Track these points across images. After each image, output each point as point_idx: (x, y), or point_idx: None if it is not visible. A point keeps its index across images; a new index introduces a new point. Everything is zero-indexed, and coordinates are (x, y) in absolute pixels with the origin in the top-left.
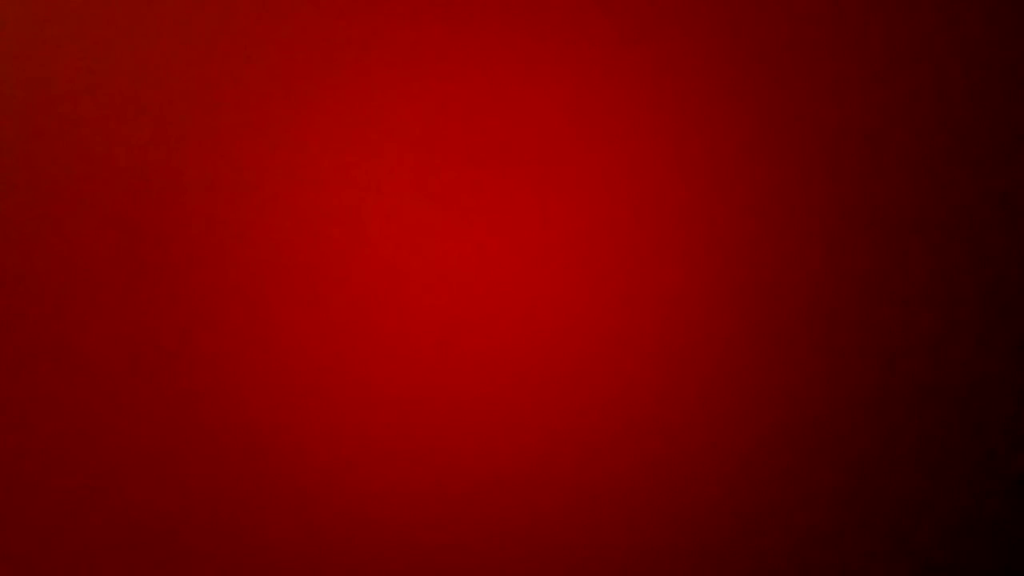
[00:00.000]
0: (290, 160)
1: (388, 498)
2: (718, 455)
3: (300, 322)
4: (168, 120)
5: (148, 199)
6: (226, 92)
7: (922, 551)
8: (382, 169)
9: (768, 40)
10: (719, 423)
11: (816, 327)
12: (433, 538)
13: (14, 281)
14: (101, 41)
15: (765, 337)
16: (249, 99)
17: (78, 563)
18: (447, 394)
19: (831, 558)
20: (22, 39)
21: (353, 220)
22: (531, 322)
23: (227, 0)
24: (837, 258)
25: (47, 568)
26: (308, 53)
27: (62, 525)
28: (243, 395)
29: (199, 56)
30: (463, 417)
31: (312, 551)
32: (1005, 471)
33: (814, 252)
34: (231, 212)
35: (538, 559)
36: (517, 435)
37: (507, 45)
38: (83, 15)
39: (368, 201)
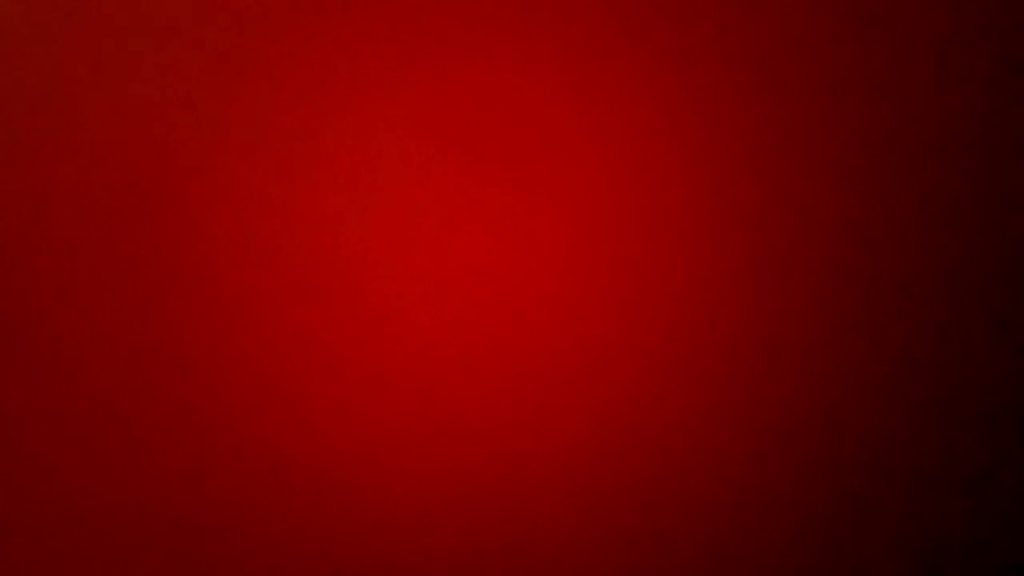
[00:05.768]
0: (290, 159)
1: (389, 500)
2: (722, 458)
3: (299, 322)
4: (168, 119)
5: (148, 198)
6: (225, 91)
7: (924, 553)
8: (383, 169)
9: (774, 41)
10: (723, 426)
11: (820, 329)
12: (432, 541)
13: (13, 281)
14: (100, 40)
15: (769, 341)
16: (249, 98)
17: (75, 563)
18: (449, 395)
19: (834, 560)
20: (22, 39)
21: (353, 220)
22: (534, 323)
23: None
24: (842, 261)
25: (42, 568)
26: (308, 51)
27: (58, 525)
28: (244, 395)
29: (199, 54)
30: (465, 419)
31: (310, 552)
32: (1008, 473)
33: (819, 255)
34: (229, 211)
35: (538, 561)
36: (518, 437)
37: (511, 45)
38: (82, 15)
39: (369, 201)
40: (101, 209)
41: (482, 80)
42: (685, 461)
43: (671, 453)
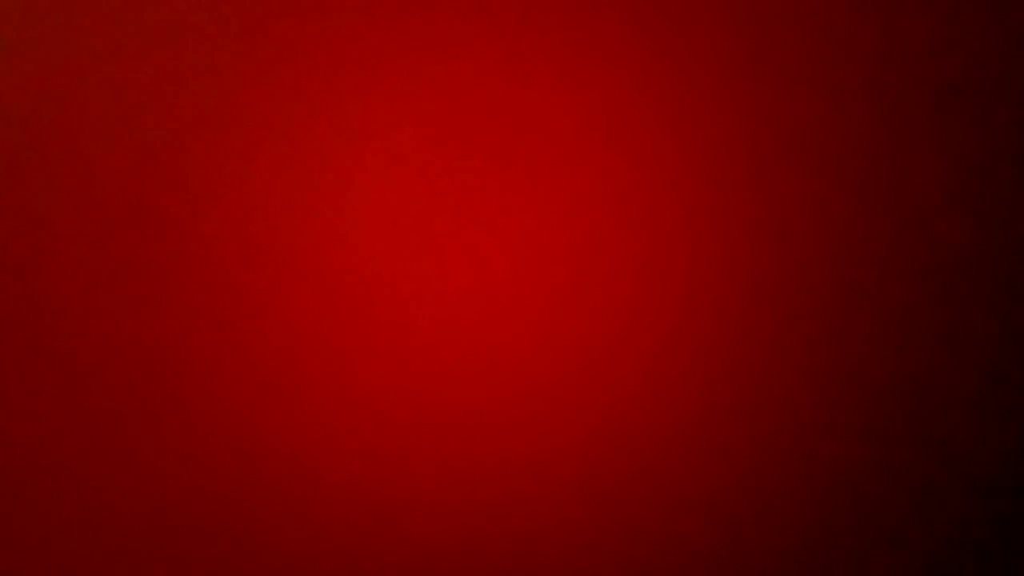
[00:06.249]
0: (294, 160)
1: (389, 499)
2: (722, 457)
3: (300, 322)
4: (171, 120)
5: (148, 199)
6: (229, 91)
7: (924, 553)
8: (383, 169)
9: (774, 41)
10: (723, 426)
11: (821, 330)
12: (433, 540)
13: (14, 281)
14: (100, 40)
15: (769, 341)
16: (252, 99)
17: (74, 563)
18: (449, 395)
19: (834, 560)
20: (23, 39)
21: (353, 219)
22: (535, 322)
23: (232, 0)
24: (841, 262)
25: (41, 568)
26: (313, 52)
27: (58, 524)
28: (244, 395)
29: (202, 55)
30: (465, 418)
31: (306, 552)
32: (1007, 474)
33: (819, 254)
34: (233, 212)
35: (539, 559)
36: (519, 436)
37: (511, 45)
38: (83, 15)
39: (369, 200)
40: (101, 209)
41: (482, 80)
42: (686, 460)
43: (672, 452)
